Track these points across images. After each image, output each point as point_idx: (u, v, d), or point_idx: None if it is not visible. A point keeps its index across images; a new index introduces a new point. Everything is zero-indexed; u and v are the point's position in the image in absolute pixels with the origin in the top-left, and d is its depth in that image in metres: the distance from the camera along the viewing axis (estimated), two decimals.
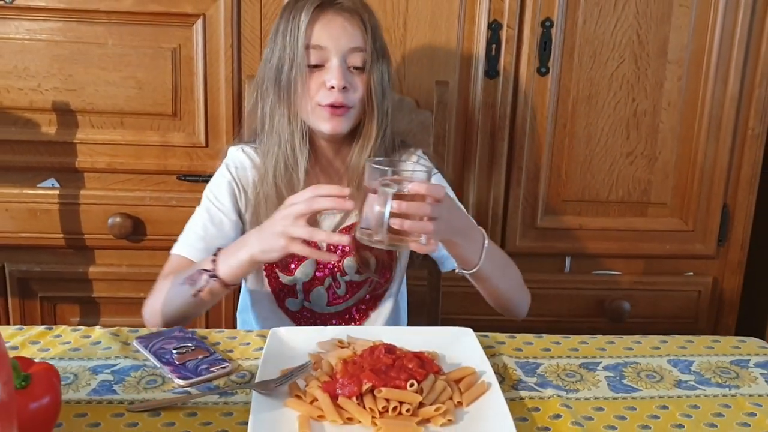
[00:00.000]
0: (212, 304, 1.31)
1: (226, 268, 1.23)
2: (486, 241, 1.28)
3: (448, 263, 1.45)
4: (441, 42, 1.81)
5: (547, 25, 1.81)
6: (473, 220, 1.32)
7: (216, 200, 1.41)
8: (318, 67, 1.32)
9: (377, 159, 1.19)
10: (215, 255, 1.26)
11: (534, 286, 1.95)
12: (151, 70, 1.79)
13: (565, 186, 1.94)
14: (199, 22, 1.77)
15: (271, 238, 1.17)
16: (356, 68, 1.33)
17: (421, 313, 1.69)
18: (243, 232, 1.39)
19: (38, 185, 1.85)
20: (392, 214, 1.08)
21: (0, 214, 1.84)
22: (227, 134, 1.83)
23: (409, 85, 1.82)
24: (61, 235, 1.86)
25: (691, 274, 2.05)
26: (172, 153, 1.85)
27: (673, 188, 1.97)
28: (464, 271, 1.30)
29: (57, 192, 1.85)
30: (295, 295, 1.45)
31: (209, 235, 1.37)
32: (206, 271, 1.24)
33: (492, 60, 1.82)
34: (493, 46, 1.82)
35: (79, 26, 1.76)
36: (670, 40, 1.86)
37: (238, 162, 1.43)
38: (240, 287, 1.52)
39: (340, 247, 1.42)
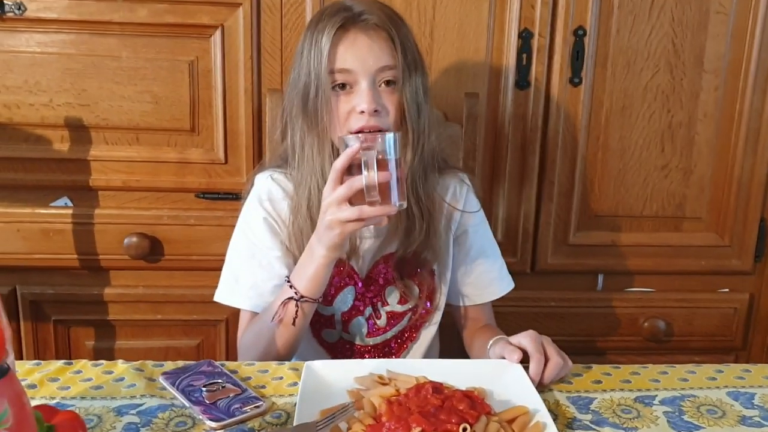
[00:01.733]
0: (305, 327, 1.28)
1: (306, 284, 1.22)
2: None
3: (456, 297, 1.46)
4: (469, 52, 1.74)
5: (579, 33, 1.74)
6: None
7: (258, 241, 1.34)
8: (346, 91, 1.25)
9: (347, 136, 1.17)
10: (288, 281, 1.24)
11: (566, 304, 1.92)
12: (167, 83, 1.72)
13: (598, 200, 1.87)
14: (218, 33, 1.70)
15: (327, 234, 1.16)
16: (387, 87, 1.25)
17: (453, 335, 1.61)
18: (294, 260, 1.33)
19: (51, 204, 1.78)
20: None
21: (11, 235, 1.77)
22: (247, 150, 1.76)
23: (437, 96, 1.74)
24: (75, 255, 1.79)
25: (727, 290, 1.97)
26: (190, 170, 1.78)
27: (709, 202, 1.90)
28: None
29: (70, 211, 1.78)
30: (333, 326, 1.38)
31: (260, 280, 1.33)
32: (291, 299, 1.22)
33: (522, 70, 1.75)
34: (524, 55, 1.74)
35: (92, 38, 1.70)
36: (706, 49, 1.78)
37: (270, 193, 1.36)
38: None
39: (383, 274, 1.36)
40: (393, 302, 1.38)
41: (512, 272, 1.55)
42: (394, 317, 1.39)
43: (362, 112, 1.22)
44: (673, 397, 1.11)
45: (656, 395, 1.11)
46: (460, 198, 1.42)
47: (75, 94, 1.72)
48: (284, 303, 1.22)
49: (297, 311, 1.22)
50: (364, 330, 1.38)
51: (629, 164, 1.85)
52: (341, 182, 1.13)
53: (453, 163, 1.51)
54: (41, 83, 1.71)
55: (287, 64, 1.70)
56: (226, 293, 1.36)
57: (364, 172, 1.11)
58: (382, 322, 1.38)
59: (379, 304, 1.37)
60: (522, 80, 1.76)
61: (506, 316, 1.86)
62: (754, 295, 1.99)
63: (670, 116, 1.82)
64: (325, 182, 1.20)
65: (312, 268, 1.21)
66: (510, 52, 1.75)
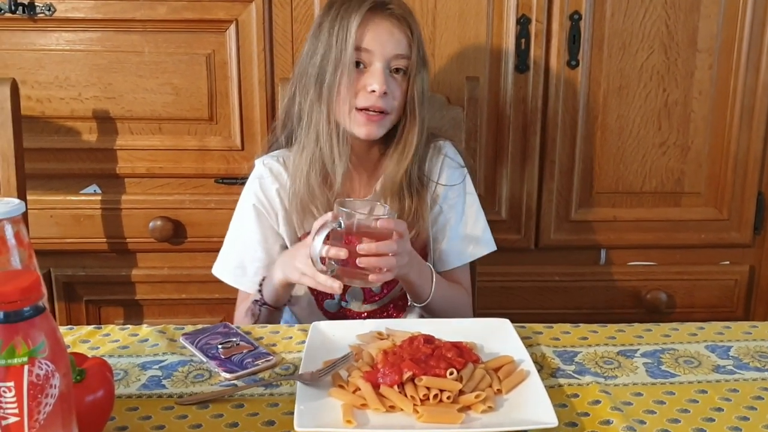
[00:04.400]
0: (276, 321, 1.43)
1: (269, 294, 1.38)
2: (434, 276, 1.38)
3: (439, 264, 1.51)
4: (470, 38, 1.82)
5: (575, 18, 1.82)
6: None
7: (245, 225, 1.47)
8: (360, 69, 1.34)
9: (344, 200, 1.24)
10: (260, 285, 1.40)
11: (569, 279, 2.00)
12: (186, 76, 1.83)
13: (599, 178, 1.94)
14: (232, 27, 1.81)
15: (290, 270, 1.30)
16: (398, 74, 1.35)
17: None
18: (283, 243, 1.47)
19: (81, 191, 1.90)
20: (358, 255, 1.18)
21: (45, 221, 1.89)
22: (262, 137, 1.85)
23: (440, 81, 1.84)
24: (104, 239, 1.91)
25: (728, 263, 2.04)
26: (210, 157, 1.88)
27: (707, 177, 1.96)
28: (416, 304, 1.40)
29: (99, 198, 1.89)
30: (332, 296, 1.47)
31: (246, 261, 1.47)
32: (257, 302, 1.39)
33: (522, 54, 1.83)
34: (523, 40, 1.83)
35: (117, 35, 1.81)
36: (699, 29, 1.85)
37: (261, 178, 1.46)
38: None
39: None
40: None
41: (517, 249, 1.62)
42: (387, 284, 1.45)
43: (373, 91, 1.32)
44: (654, 350, 1.19)
45: (638, 349, 1.19)
46: (435, 168, 1.48)
47: (102, 88, 1.83)
48: (253, 302, 1.39)
49: (259, 313, 1.39)
50: (361, 297, 1.48)
51: (627, 142, 1.92)
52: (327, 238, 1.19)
53: (440, 135, 1.56)
54: (70, 78, 1.82)
55: (298, 55, 1.79)
56: (218, 267, 1.50)
57: (316, 240, 1.17)
58: (376, 289, 1.47)
59: None
60: (521, 64, 1.84)
61: (512, 291, 1.95)
62: (754, 267, 2.05)
63: (666, 95, 1.89)
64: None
65: (272, 286, 1.36)
66: (509, 37, 1.83)
